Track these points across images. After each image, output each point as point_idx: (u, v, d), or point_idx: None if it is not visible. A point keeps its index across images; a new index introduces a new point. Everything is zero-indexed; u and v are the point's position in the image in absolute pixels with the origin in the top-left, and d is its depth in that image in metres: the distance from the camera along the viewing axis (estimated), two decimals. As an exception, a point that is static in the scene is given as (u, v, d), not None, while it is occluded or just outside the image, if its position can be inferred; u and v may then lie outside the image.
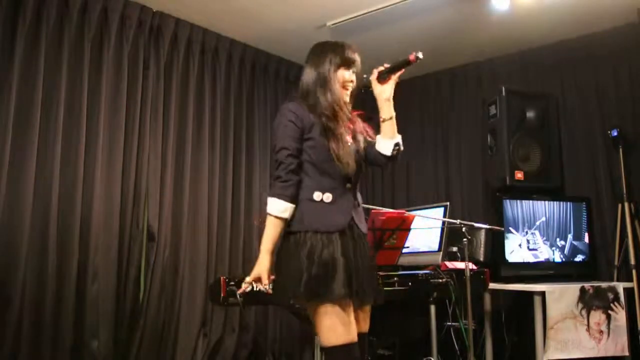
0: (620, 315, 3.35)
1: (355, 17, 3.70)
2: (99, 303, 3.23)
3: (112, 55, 3.46)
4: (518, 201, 3.69)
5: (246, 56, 4.27)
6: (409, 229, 3.12)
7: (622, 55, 3.85)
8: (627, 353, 3.34)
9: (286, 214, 1.92)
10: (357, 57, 2.07)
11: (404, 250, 3.16)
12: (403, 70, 2.02)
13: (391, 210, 3.24)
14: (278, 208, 1.91)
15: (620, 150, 3.64)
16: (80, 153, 3.25)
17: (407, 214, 3.11)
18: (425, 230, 3.77)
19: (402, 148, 2.08)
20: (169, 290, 3.60)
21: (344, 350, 1.84)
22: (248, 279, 1.92)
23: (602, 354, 3.30)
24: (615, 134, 3.66)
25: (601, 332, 3.32)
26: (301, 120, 1.98)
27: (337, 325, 1.84)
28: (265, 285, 1.92)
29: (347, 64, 2.05)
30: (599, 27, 3.87)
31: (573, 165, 4.01)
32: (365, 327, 2.08)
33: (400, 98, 5.51)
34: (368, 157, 2.11)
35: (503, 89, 3.88)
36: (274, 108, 4.47)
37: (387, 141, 2.05)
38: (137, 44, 3.61)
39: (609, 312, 3.34)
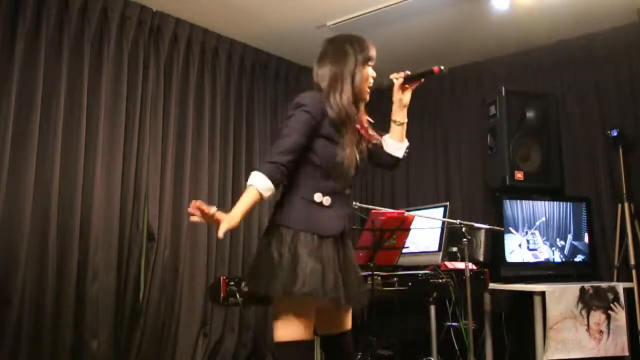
0: (620, 316, 3.35)
1: (355, 17, 3.70)
2: (99, 303, 3.23)
3: (112, 55, 3.46)
4: (518, 201, 3.69)
5: (246, 56, 4.27)
6: (408, 229, 3.12)
7: (622, 55, 3.85)
8: (627, 353, 3.34)
9: (267, 194, 1.87)
10: (374, 53, 2.04)
11: (404, 250, 3.16)
12: (423, 80, 2.05)
13: (391, 210, 3.24)
14: (264, 185, 1.84)
15: (620, 150, 3.64)
16: (80, 153, 3.25)
17: (407, 214, 3.11)
18: (425, 230, 3.77)
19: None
20: (169, 290, 3.60)
21: (299, 345, 1.91)
22: (219, 214, 1.80)
23: (602, 354, 3.30)
24: (615, 134, 3.66)
25: (601, 332, 3.32)
26: (320, 112, 1.91)
27: (301, 322, 1.89)
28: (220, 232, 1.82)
29: (371, 61, 2.02)
30: (599, 27, 3.87)
31: (573, 165, 4.01)
32: (349, 324, 2.10)
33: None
34: (373, 159, 2.12)
35: (503, 89, 3.88)
36: (274, 108, 4.47)
37: (400, 144, 2.12)
38: (137, 44, 3.61)
39: (609, 312, 3.34)
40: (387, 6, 3.57)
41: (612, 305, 3.35)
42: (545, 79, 4.21)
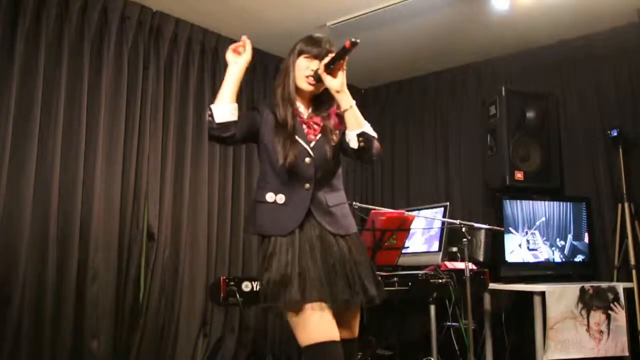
0: (620, 316, 3.35)
1: (355, 17, 3.70)
2: (99, 303, 3.23)
3: (112, 55, 3.46)
4: (518, 201, 3.69)
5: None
6: (409, 229, 3.12)
7: (622, 55, 3.85)
8: (627, 353, 3.34)
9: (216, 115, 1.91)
10: (318, 47, 1.97)
11: (404, 250, 3.16)
12: (346, 59, 1.89)
13: (391, 210, 3.24)
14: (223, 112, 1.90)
15: (620, 150, 3.64)
16: (80, 153, 3.25)
17: (407, 214, 3.11)
18: (425, 231, 3.77)
19: (373, 136, 1.95)
20: (169, 290, 3.60)
21: (322, 348, 1.82)
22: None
23: (602, 354, 3.30)
24: (615, 134, 3.66)
25: (601, 332, 3.32)
26: (263, 112, 2.01)
27: (309, 326, 1.83)
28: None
29: (307, 53, 1.98)
30: (599, 27, 3.87)
31: (573, 165, 4.01)
32: (352, 332, 2.02)
33: (400, 98, 5.49)
34: (344, 152, 2.04)
35: (503, 89, 3.88)
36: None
37: (351, 132, 1.93)
38: (137, 44, 3.61)
39: (609, 312, 3.34)
40: (387, 6, 3.57)
41: (612, 305, 3.35)
42: (545, 79, 4.21)
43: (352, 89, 5.27)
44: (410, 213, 3.22)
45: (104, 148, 3.36)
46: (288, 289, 1.83)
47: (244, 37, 1.96)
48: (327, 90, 1.97)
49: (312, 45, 1.99)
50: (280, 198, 1.94)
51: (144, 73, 3.62)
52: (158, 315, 3.51)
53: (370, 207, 3.14)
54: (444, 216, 3.70)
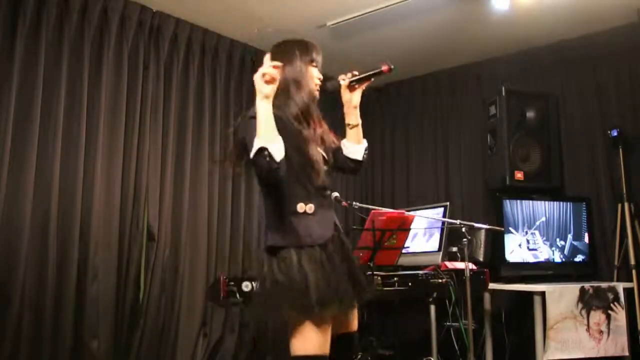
0: (620, 315, 3.35)
1: (355, 17, 3.70)
2: (99, 303, 3.23)
3: (112, 55, 3.46)
4: (518, 201, 3.69)
5: (246, 56, 4.27)
6: (409, 229, 3.12)
7: (622, 55, 3.85)
8: (627, 353, 3.35)
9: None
10: (320, 57, 2.05)
11: (404, 250, 3.16)
12: (372, 80, 2.03)
13: (391, 210, 3.24)
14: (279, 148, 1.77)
15: (620, 150, 3.64)
16: (80, 153, 3.25)
17: (407, 214, 3.11)
18: (425, 230, 3.78)
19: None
20: (169, 290, 3.60)
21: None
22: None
23: (602, 354, 3.30)
24: (615, 134, 3.66)
25: (601, 332, 3.32)
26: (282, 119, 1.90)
27: (321, 337, 1.82)
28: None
29: (316, 62, 2.03)
30: (599, 27, 3.87)
31: (573, 165, 4.01)
32: (352, 326, 2.06)
33: (400, 98, 5.48)
34: (336, 162, 2.08)
35: (503, 89, 3.88)
36: (274, 108, 4.46)
37: (357, 146, 2.09)
38: (137, 44, 3.61)
39: (609, 312, 3.34)
40: (387, 6, 3.57)
41: (612, 305, 3.35)
42: (545, 79, 4.21)
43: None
44: (410, 213, 3.22)
45: (104, 148, 3.36)
46: (338, 296, 1.81)
47: (277, 64, 1.82)
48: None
49: (318, 54, 2.03)
50: (310, 208, 1.90)
51: (144, 73, 3.62)
52: (158, 315, 3.51)
53: (370, 207, 3.14)
54: (444, 216, 3.70)
